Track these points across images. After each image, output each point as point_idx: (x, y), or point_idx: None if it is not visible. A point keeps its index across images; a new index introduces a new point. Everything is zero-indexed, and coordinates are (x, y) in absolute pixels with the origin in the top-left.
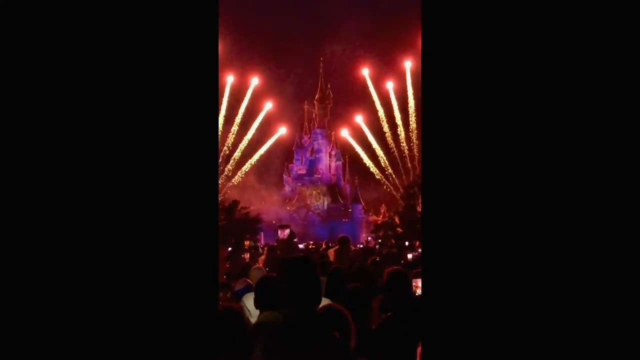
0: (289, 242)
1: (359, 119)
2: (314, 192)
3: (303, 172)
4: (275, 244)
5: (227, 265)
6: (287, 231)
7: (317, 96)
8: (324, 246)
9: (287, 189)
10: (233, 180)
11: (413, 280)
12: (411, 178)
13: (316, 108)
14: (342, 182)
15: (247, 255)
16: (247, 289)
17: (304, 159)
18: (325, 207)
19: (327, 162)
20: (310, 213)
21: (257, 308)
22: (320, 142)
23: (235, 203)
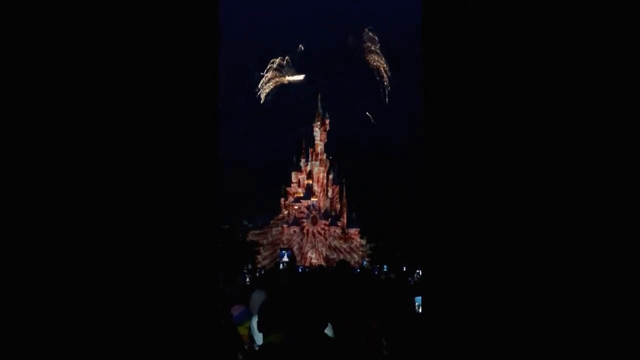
0: (290, 264)
1: None
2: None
3: (300, 195)
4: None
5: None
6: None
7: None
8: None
9: (284, 211)
10: None
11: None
12: None
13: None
14: (340, 205)
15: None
16: (244, 314)
17: (301, 182)
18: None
19: (325, 185)
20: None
21: (260, 331)
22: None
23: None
